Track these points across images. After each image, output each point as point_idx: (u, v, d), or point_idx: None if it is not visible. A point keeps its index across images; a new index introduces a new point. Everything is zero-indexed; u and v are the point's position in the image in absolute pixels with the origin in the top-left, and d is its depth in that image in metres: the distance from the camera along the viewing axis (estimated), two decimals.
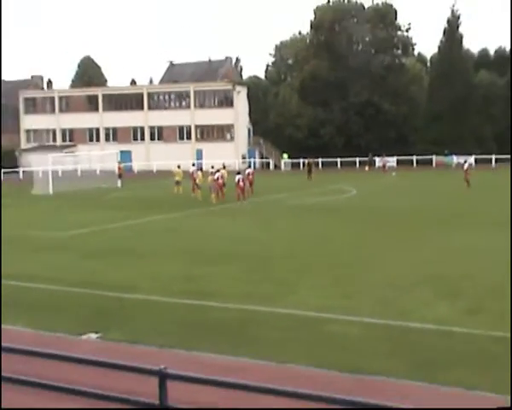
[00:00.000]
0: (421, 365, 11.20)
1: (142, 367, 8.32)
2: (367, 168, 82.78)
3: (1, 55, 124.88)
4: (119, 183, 61.55)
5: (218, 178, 43.30)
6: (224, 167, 47.90)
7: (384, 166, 76.59)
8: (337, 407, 6.81)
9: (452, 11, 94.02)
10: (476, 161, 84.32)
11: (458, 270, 19.21)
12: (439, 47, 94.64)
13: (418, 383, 10.33)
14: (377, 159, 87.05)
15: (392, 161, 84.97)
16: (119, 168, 64.04)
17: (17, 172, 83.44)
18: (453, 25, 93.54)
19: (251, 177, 47.24)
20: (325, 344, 12.52)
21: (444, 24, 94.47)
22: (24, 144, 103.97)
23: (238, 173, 43.30)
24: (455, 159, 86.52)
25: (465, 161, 54.39)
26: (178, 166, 51.85)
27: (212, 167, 48.41)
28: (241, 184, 42.06)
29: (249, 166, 48.70)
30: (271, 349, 12.19)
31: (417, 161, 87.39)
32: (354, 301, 15.79)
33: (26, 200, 49.72)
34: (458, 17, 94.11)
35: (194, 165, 53.48)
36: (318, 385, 10.17)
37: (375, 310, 14.83)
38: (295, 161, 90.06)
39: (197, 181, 46.62)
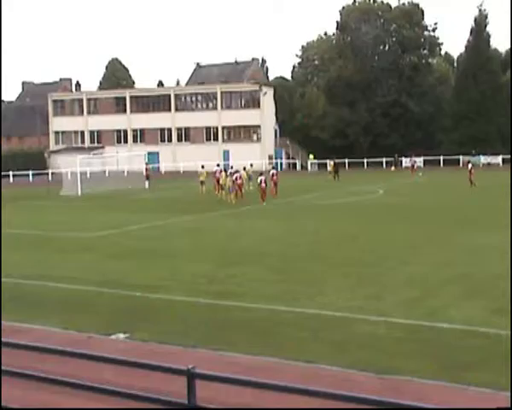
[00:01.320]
0: (449, 365, 11.16)
1: (170, 367, 8.38)
2: (393, 169, 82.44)
3: (1, 60, 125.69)
4: (146, 184, 61.90)
5: (236, 179, 43.55)
6: (244, 169, 48.13)
7: (413, 166, 76.08)
8: (364, 407, 6.84)
9: (480, 10, 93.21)
10: (504, 160, 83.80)
11: (485, 269, 19.11)
12: (467, 46, 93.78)
13: (445, 384, 10.30)
14: (404, 159, 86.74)
15: (419, 161, 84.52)
16: (147, 169, 64.47)
17: (46, 174, 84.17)
18: (481, 24, 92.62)
19: (275, 178, 46.89)
20: (352, 345, 12.53)
21: (471, 23, 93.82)
22: (53, 146, 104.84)
23: (261, 174, 43.31)
24: (482, 159, 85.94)
25: (468, 162, 55.64)
26: (202, 167, 52.41)
27: (231, 168, 48.83)
28: (262, 185, 42.00)
29: (273, 168, 48.45)
30: (298, 349, 12.22)
31: (444, 161, 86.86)
32: (381, 301, 15.76)
33: (55, 201, 50.15)
34: (486, 16, 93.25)
35: (218, 165, 53.71)
36: (345, 385, 10.20)
37: (402, 310, 14.80)
38: (322, 161, 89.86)
39: (220, 182, 46.84)
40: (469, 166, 52.44)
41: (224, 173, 47.80)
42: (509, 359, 10.79)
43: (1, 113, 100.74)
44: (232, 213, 37.76)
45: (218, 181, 47.36)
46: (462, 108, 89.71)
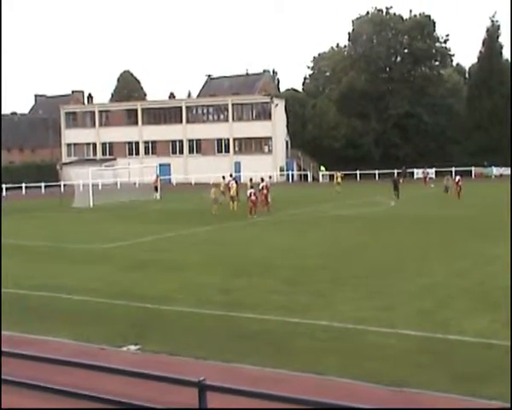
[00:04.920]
0: (460, 378, 11.10)
1: (181, 378, 8.39)
2: (401, 181, 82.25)
3: (1, 71, 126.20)
4: (156, 195, 61.98)
5: (262, 188, 43.74)
6: (236, 181, 48.65)
7: (425, 177, 75.82)
8: None
9: (492, 21, 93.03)
10: None
11: (497, 280, 19.01)
12: (479, 57, 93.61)
13: (456, 397, 10.25)
14: (416, 170, 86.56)
15: (431, 172, 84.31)
16: (156, 181, 64.38)
17: (58, 186, 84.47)
18: (493, 35, 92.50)
19: (265, 191, 44.43)
20: (363, 356, 12.48)
21: (483, 34, 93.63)
22: (65, 158, 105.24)
23: (251, 187, 42.97)
24: (494, 170, 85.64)
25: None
26: (223, 177, 54.24)
27: (223, 178, 52.32)
28: (252, 198, 41.55)
29: (262, 180, 46.65)
30: (309, 361, 12.19)
31: (456, 173, 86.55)
32: (392, 312, 15.71)
33: (67, 213, 50.30)
34: (498, 27, 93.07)
35: (231, 176, 54.18)
36: (356, 397, 10.17)
37: (413, 322, 14.75)
38: (333, 173, 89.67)
39: (231, 193, 46.96)
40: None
41: (235, 185, 47.90)
42: None
43: (0, 125, 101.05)
44: (243, 224, 37.75)
45: (229, 192, 47.66)
46: (475, 118, 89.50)
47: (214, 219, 40.01)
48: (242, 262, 24.13)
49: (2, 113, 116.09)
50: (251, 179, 48.29)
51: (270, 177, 48.09)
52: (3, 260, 24.60)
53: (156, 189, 63.19)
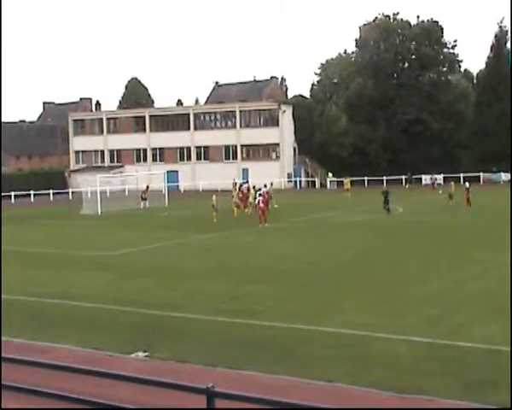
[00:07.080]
0: (471, 384, 11.05)
1: (189, 385, 8.38)
2: (407, 187, 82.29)
3: (1, 79, 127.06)
4: (144, 204, 61.09)
5: (259, 202, 43.78)
6: (239, 189, 48.94)
7: (433, 183, 75.76)
8: None
9: (500, 27, 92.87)
10: None
11: (504, 286, 18.90)
12: (487, 63, 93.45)
13: (467, 403, 10.19)
14: (424, 176, 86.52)
15: (439, 178, 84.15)
16: (145, 191, 63.37)
17: (67, 193, 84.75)
18: (501, 40, 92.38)
19: (261, 205, 40.97)
20: (372, 363, 12.44)
21: (491, 40, 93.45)
22: (73, 165, 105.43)
23: (260, 195, 42.85)
24: (503, 176, 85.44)
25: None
26: (235, 184, 56.24)
27: (235, 184, 54.08)
28: (261, 205, 40.98)
29: (259, 195, 43.76)
30: (318, 368, 12.16)
31: (464, 179, 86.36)
32: (401, 319, 15.67)
33: (75, 220, 50.40)
34: (506, 32, 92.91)
35: (247, 182, 54.84)
36: (365, 404, 10.14)
37: (422, 328, 14.71)
38: (341, 179, 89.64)
39: (234, 199, 47.20)
40: (466, 185, 52.75)
41: (253, 190, 48.21)
42: None
43: (1, 133, 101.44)
44: (251, 231, 37.72)
45: (247, 198, 47.94)
46: (483, 124, 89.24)
47: (222, 226, 39.96)
48: (251, 269, 24.11)
49: (11, 120, 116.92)
50: (253, 187, 49.41)
51: (272, 183, 47.86)
52: (12, 267, 24.66)
53: (145, 198, 61.88)
